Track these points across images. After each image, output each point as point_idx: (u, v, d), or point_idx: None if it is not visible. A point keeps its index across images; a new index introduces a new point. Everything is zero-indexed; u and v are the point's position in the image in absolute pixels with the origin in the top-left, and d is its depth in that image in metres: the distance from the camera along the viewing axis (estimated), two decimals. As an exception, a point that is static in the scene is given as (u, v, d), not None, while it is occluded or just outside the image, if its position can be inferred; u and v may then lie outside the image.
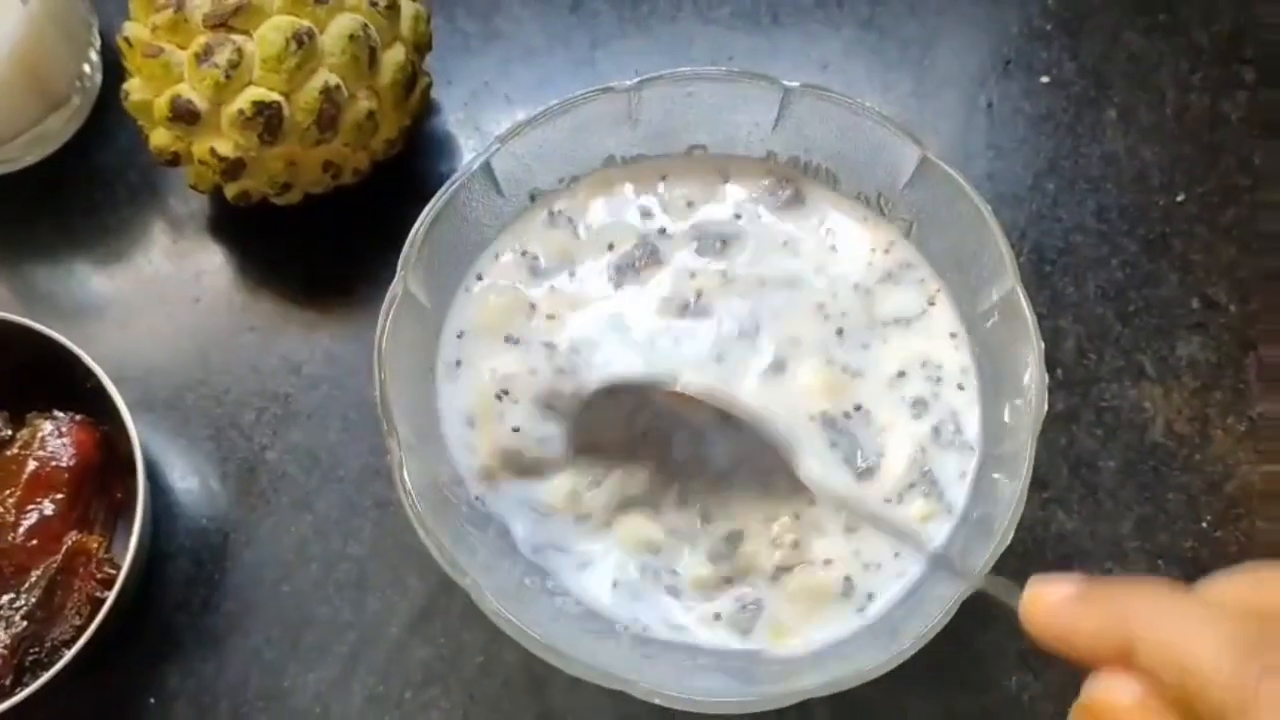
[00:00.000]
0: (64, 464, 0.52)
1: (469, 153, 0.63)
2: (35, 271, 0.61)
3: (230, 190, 0.56)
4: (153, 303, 0.61)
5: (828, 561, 0.49)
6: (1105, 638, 0.32)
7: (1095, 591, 0.33)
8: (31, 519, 0.51)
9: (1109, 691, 0.31)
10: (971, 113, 0.64)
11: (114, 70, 0.63)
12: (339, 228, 0.61)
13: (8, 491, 0.52)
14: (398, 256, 0.49)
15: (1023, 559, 0.55)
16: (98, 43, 0.63)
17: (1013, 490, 0.46)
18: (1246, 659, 0.28)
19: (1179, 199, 0.62)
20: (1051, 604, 0.34)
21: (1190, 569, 0.55)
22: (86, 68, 0.62)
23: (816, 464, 0.49)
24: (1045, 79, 0.64)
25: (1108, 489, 0.56)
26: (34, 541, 0.51)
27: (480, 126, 0.64)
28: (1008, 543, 0.46)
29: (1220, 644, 0.29)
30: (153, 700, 0.53)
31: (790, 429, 0.50)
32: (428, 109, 0.62)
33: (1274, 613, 0.30)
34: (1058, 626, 0.33)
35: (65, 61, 0.60)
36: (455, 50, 0.65)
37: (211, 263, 0.61)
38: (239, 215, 0.60)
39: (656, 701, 0.44)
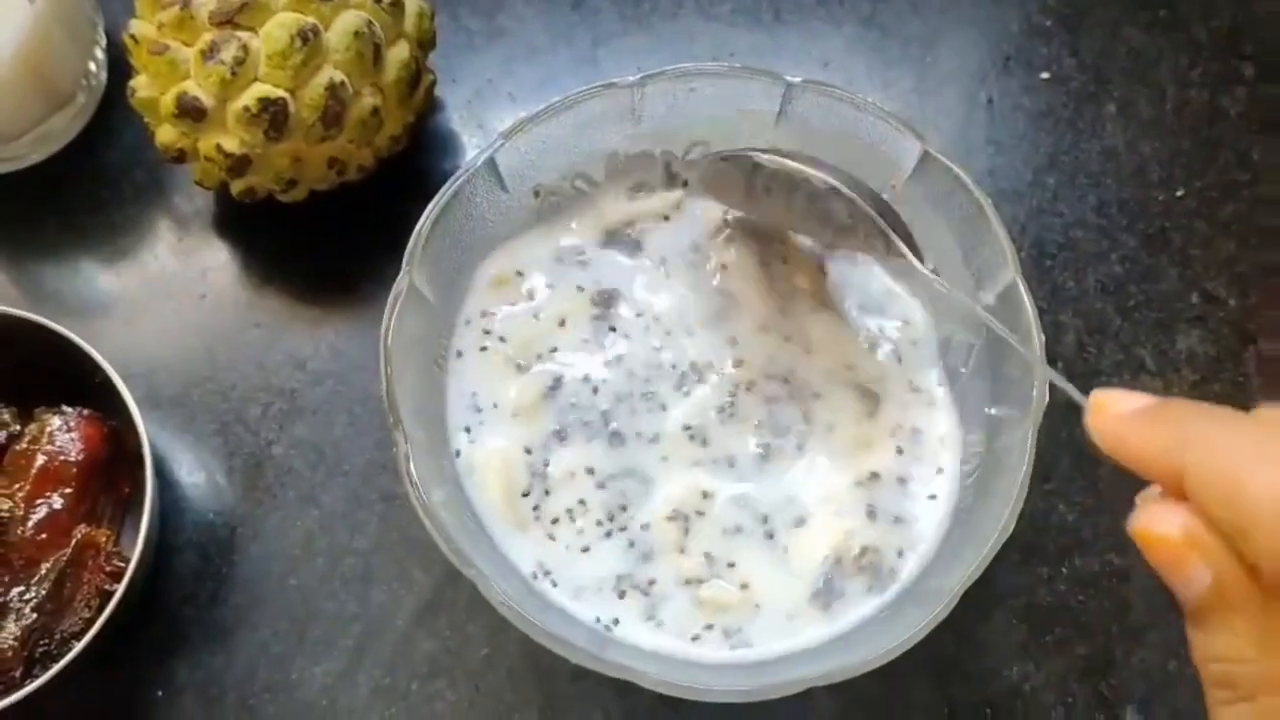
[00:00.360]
0: (72, 458, 0.53)
1: (473, 150, 0.64)
2: (42, 269, 0.62)
3: (236, 187, 0.56)
4: (159, 300, 0.61)
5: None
6: (1163, 459, 0.30)
7: (1160, 410, 0.32)
8: (40, 513, 0.52)
9: (1156, 522, 0.30)
10: (972, 109, 0.64)
11: (119, 68, 0.64)
12: (344, 224, 0.61)
13: (17, 486, 0.52)
14: (402, 253, 0.50)
15: (1024, 550, 0.56)
16: (103, 41, 0.64)
17: (1012, 480, 0.46)
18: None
19: (1178, 194, 0.62)
20: (1115, 414, 0.33)
21: (1190, 560, 0.55)
22: (92, 66, 0.63)
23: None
24: (1045, 75, 0.65)
25: (1108, 481, 0.57)
26: (43, 535, 0.51)
27: (484, 124, 0.64)
28: (1010, 532, 0.46)
29: (1273, 477, 0.27)
30: (161, 692, 0.54)
31: None
32: (432, 106, 0.62)
33: None
34: (1118, 438, 0.32)
35: (71, 60, 0.61)
36: (459, 48, 0.66)
37: (217, 260, 0.62)
38: (244, 212, 0.61)
39: (661, 691, 0.44)
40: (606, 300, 0.54)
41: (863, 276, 0.55)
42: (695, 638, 0.49)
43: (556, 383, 0.53)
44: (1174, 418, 0.31)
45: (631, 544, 0.50)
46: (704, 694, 0.44)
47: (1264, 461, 0.28)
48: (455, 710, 0.54)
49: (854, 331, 0.54)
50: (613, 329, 0.54)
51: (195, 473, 0.58)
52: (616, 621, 0.49)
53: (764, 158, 0.51)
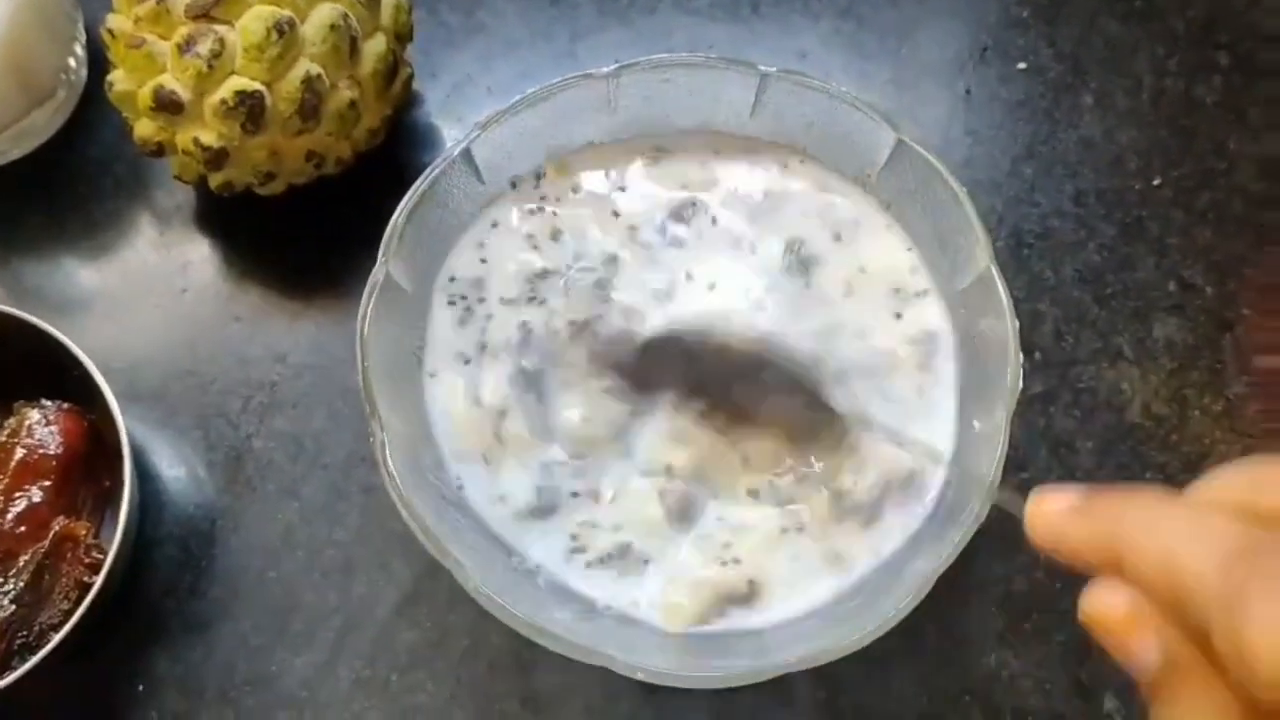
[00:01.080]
0: (51, 452, 0.53)
1: (451, 144, 0.64)
2: (22, 264, 0.62)
3: (214, 180, 0.56)
4: (139, 294, 0.61)
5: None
6: (1099, 547, 0.31)
7: (1092, 502, 0.33)
8: (19, 506, 0.52)
9: (1101, 603, 0.31)
10: (950, 100, 0.65)
11: (99, 64, 0.64)
12: (322, 218, 0.61)
13: (-5, 479, 0.52)
14: (380, 247, 0.50)
15: (1002, 539, 0.56)
16: (82, 37, 0.64)
17: (987, 466, 0.47)
18: (1233, 564, 0.28)
19: (1155, 183, 0.62)
20: (1051, 513, 0.34)
21: (1168, 546, 0.55)
22: (71, 62, 0.63)
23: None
24: (1022, 65, 0.65)
25: (1086, 469, 0.57)
26: (22, 528, 0.51)
27: (462, 118, 0.65)
28: (983, 518, 0.46)
29: (1206, 550, 0.28)
30: (141, 685, 0.54)
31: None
32: (410, 100, 0.62)
33: (1269, 515, 0.30)
34: (1056, 536, 0.33)
35: (50, 55, 0.61)
36: (437, 43, 0.66)
37: (197, 254, 0.62)
38: (224, 207, 0.61)
39: (639, 677, 0.44)
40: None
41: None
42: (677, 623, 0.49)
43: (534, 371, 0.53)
44: (1107, 507, 0.32)
45: (615, 528, 0.51)
46: (683, 680, 0.45)
47: (1196, 536, 0.29)
48: (436, 701, 0.54)
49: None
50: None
51: (175, 466, 0.58)
52: (594, 607, 0.49)
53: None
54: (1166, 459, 0.57)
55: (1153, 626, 0.30)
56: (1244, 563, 0.27)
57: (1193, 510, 0.31)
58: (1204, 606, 0.28)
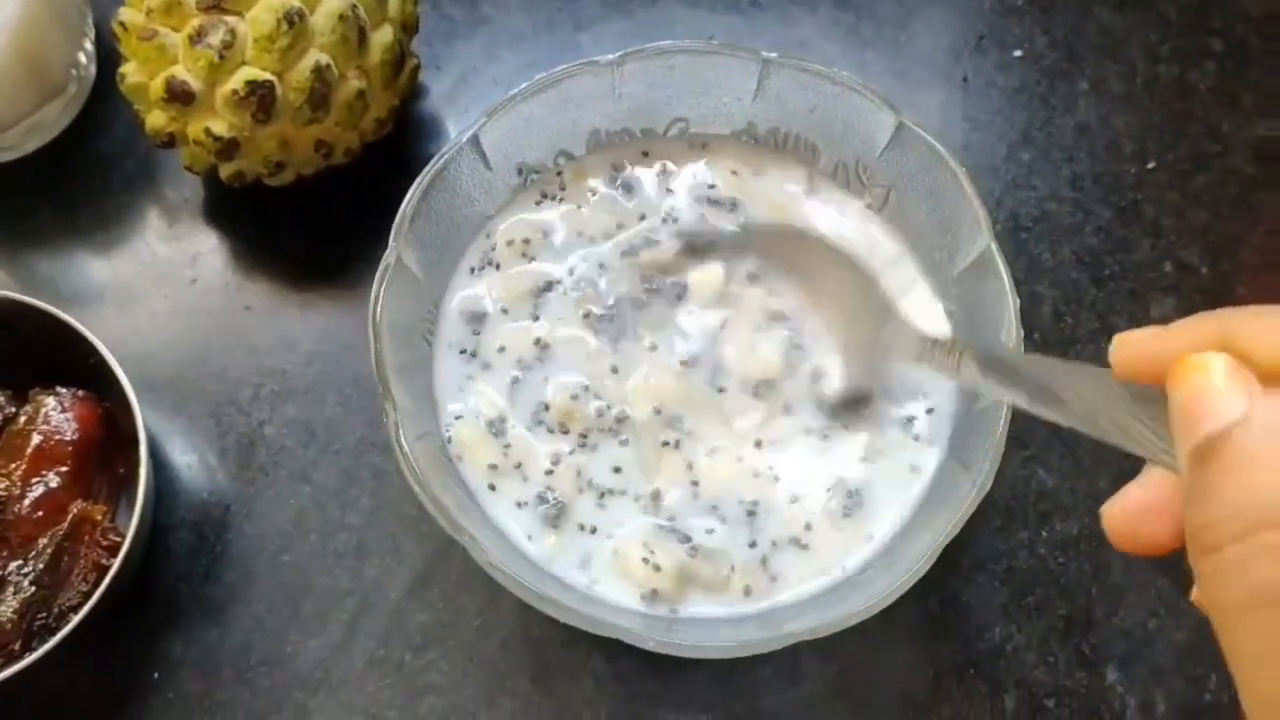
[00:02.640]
0: (67, 438, 0.53)
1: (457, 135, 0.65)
2: (35, 256, 0.63)
3: (225, 171, 0.57)
4: (150, 285, 0.62)
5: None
6: (1203, 343, 0.29)
7: (1187, 320, 0.31)
8: (37, 491, 0.52)
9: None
10: (947, 87, 0.66)
11: (108, 61, 0.64)
12: (331, 208, 0.62)
13: (14, 465, 0.53)
14: (388, 235, 0.51)
15: (1005, 515, 0.57)
16: (92, 33, 0.65)
17: (989, 441, 0.47)
18: None
19: (1150, 166, 0.63)
20: (1137, 338, 0.32)
21: (1167, 521, 0.56)
22: (82, 57, 0.64)
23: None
24: (1018, 53, 0.66)
25: (1086, 446, 0.58)
26: (39, 513, 0.52)
27: (468, 109, 0.65)
28: (985, 492, 0.47)
29: None
30: (158, 667, 0.54)
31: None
32: (416, 91, 0.63)
33: None
34: (1150, 352, 0.31)
35: (62, 49, 0.62)
36: (442, 36, 0.67)
37: (207, 245, 0.63)
38: (233, 198, 0.62)
39: (649, 647, 0.45)
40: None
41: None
42: (680, 596, 0.50)
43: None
44: (1199, 317, 0.31)
45: (618, 504, 0.51)
46: (689, 650, 0.45)
47: None
48: (449, 680, 0.54)
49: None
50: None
51: (188, 453, 0.59)
52: (596, 581, 0.50)
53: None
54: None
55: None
56: None
57: None
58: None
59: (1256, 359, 0.29)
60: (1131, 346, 0.32)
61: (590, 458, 0.52)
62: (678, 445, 0.52)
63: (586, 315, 0.54)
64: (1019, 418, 0.48)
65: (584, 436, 0.52)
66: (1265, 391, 0.28)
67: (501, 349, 0.54)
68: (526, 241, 0.55)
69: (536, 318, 0.54)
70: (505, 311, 0.54)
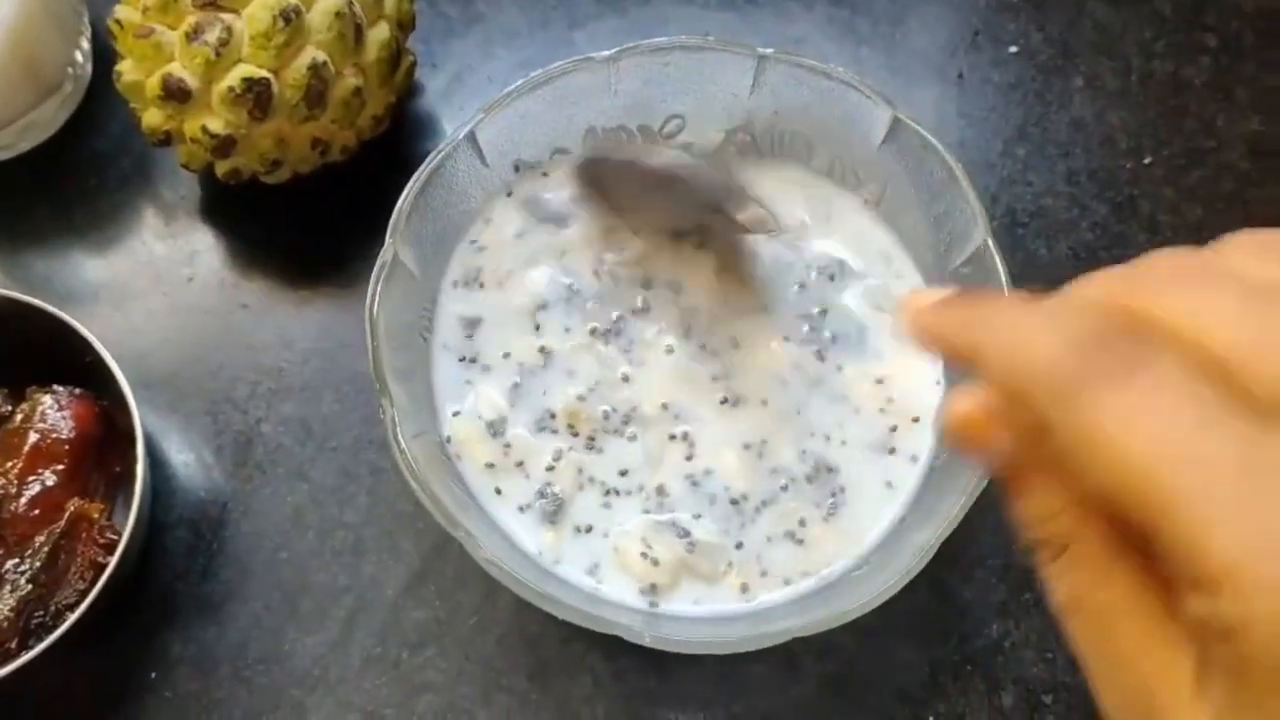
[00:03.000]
0: (64, 436, 0.53)
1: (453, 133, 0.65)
2: (31, 255, 0.63)
3: (221, 168, 0.57)
4: (147, 283, 0.62)
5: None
6: (960, 341, 0.30)
7: (960, 298, 0.31)
8: (33, 489, 0.52)
9: (954, 407, 0.30)
10: (942, 84, 0.66)
11: (103, 59, 0.65)
12: (327, 206, 0.62)
13: (10, 464, 0.53)
14: (385, 233, 0.51)
15: (1001, 510, 0.56)
16: (88, 31, 0.65)
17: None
18: (1077, 355, 0.26)
19: (1146, 162, 0.63)
20: (921, 306, 0.32)
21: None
22: (78, 56, 0.64)
23: None
24: (1013, 49, 0.66)
25: (1083, 441, 0.58)
26: (36, 511, 0.52)
27: (464, 107, 0.66)
28: (981, 489, 0.47)
29: (1054, 342, 0.26)
30: (155, 665, 0.54)
31: None
32: (412, 89, 0.63)
33: (1135, 311, 0.27)
34: (921, 324, 0.32)
35: (58, 48, 0.62)
36: (438, 34, 0.67)
37: (203, 243, 0.63)
38: (229, 197, 0.62)
39: (646, 643, 0.45)
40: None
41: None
42: (676, 591, 0.50)
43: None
44: (976, 303, 0.31)
45: (619, 503, 0.51)
46: (686, 646, 0.45)
47: (1049, 325, 0.27)
48: (446, 677, 0.54)
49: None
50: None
51: (185, 451, 0.58)
52: (600, 580, 0.50)
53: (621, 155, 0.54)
54: (1161, 430, 0.58)
55: (1002, 418, 0.29)
56: (1089, 354, 0.25)
57: (1054, 304, 0.28)
58: (1044, 400, 0.26)
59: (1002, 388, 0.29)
60: (911, 312, 0.32)
61: (593, 455, 0.52)
62: (685, 437, 0.52)
63: (593, 331, 0.54)
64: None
65: (591, 439, 0.52)
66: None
67: (506, 355, 0.54)
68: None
69: (538, 327, 0.54)
70: (502, 324, 0.55)
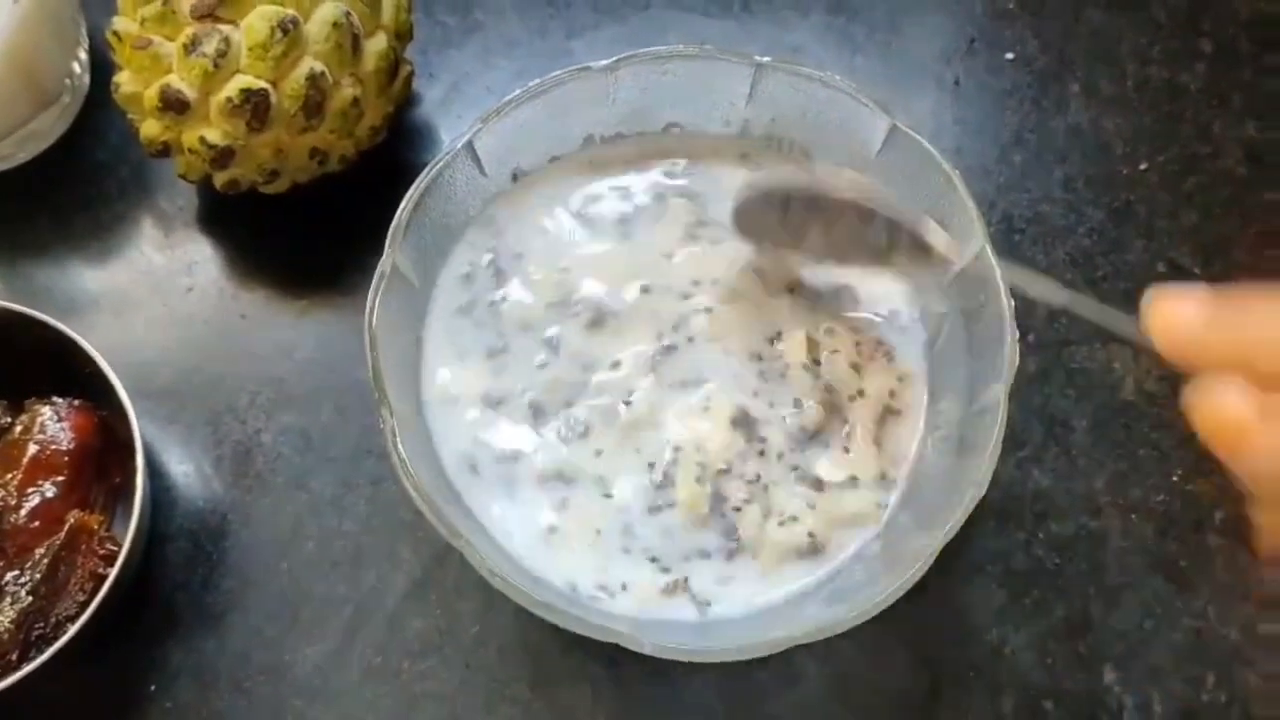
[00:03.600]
0: (64, 448, 0.53)
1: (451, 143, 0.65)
2: (30, 266, 0.63)
3: (219, 179, 0.57)
4: (146, 294, 0.62)
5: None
6: (1228, 352, 0.29)
7: (1218, 300, 0.30)
8: (33, 501, 0.52)
9: (1218, 402, 0.28)
10: (939, 91, 0.66)
11: (101, 70, 0.65)
12: (326, 217, 0.62)
13: (9, 475, 0.53)
14: (383, 243, 0.51)
15: (1001, 516, 0.57)
16: (86, 42, 0.65)
17: (987, 439, 0.48)
18: None
19: (1142, 168, 0.64)
20: (1175, 315, 0.31)
21: (1163, 521, 0.56)
22: (76, 66, 0.64)
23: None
24: (1010, 56, 0.67)
25: (1081, 447, 0.58)
26: (36, 523, 0.52)
27: (462, 116, 0.66)
28: (982, 494, 0.47)
29: None
30: (155, 676, 0.54)
31: None
32: (410, 98, 0.63)
33: None
34: (1183, 341, 0.31)
35: (56, 59, 0.62)
36: (435, 43, 0.67)
37: (202, 253, 0.63)
38: (227, 207, 0.62)
39: (647, 651, 0.45)
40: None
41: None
42: (680, 603, 0.50)
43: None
44: (1232, 304, 0.30)
45: (611, 505, 0.51)
46: (688, 653, 0.45)
47: None
48: (447, 687, 0.54)
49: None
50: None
51: (185, 462, 0.58)
52: (603, 587, 0.50)
53: (798, 185, 0.53)
54: (1159, 435, 0.58)
55: (1274, 430, 0.27)
56: None
57: None
58: None
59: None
60: (1167, 325, 0.32)
61: (595, 458, 0.52)
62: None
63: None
64: (1014, 419, 0.48)
65: (599, 451, 0.52)
66: None
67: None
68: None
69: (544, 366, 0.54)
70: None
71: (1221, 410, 0.28)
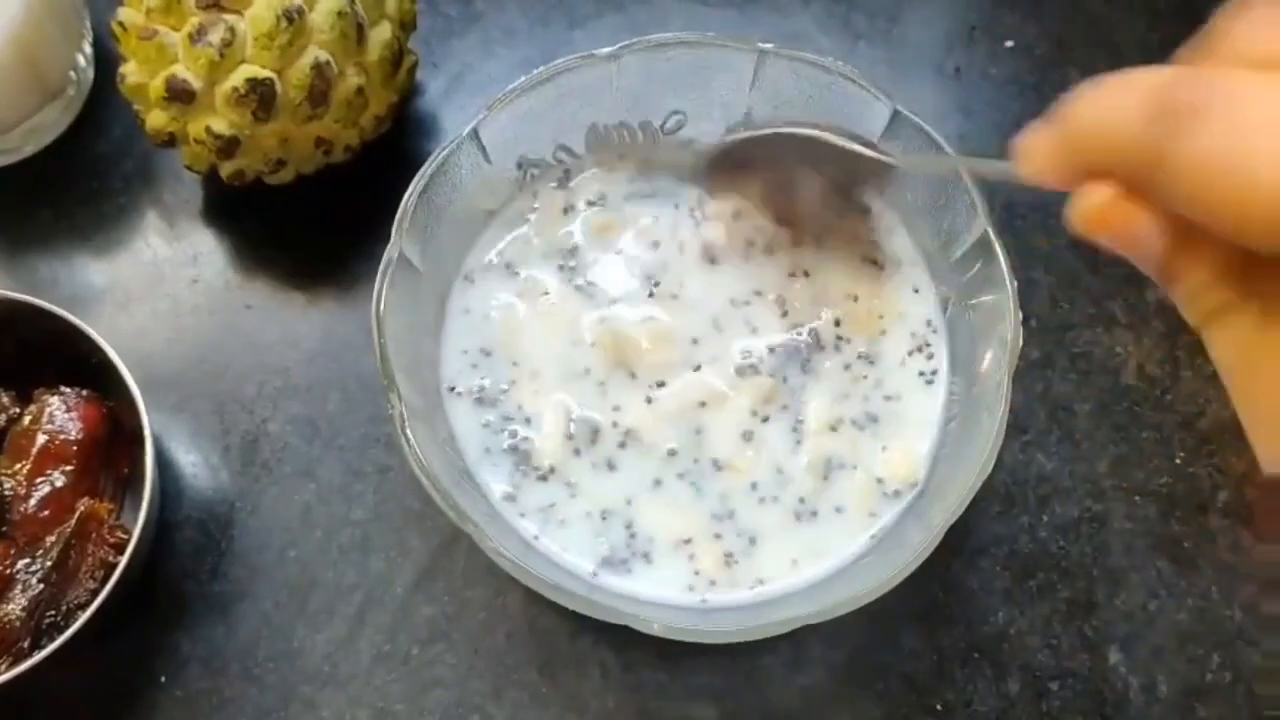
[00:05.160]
0: (72, 438, 0.54)
1: (454, 132, 0.65)
2: (36, 258, 0.63)
3: (225, 169, 0.57)
4: (152, 285, 0.62)
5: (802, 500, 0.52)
6: (1076, 164, 0.31)
7: (1051, 127, 0.32)
8: (43, 490, 0.52)
9: (1085, 202, 0.31)
10: (940, 78, 0.66)
11: (105, 63, 0.65)
12: (331, 207, 0.62)
13: (19, 465, 0.53)
14: (388, 232, 0.51)
15: (1005, 500, 0.57)
16: (90, 35, 0.65)
17: (990, 424, 0.48)
18: (1158, 110, 0.27)
19: (1143, 154, 0.64)
20: (1034, 146, 0.34)
21: (1165, 503, 0.57)
22: (81, 59, 0.64)
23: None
24: (1010, 43, 0.67)
25: (1084, 430, 0.58)
26: (46, 512, 0.52)
27: (465, 106, 0.66)
28: (987, 474, 0.47)
29: (1134, 104, 0.28)
30: (165, 665, 0.55)
31: None
32: (414, 88, 0.64)
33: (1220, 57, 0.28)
34: (1039, 171, 0.33)
35: (61, 51, 0.62)
36: (438, 34, 0.67)
37: (207, 245, 0.63)
38: (231, 199, 0.62)
39: (655, 632, 0.45)
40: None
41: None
42: (688, 586, 0.50)
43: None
44: (1057, 124, 0.32)
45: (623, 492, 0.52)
46: (696, 634, 0.46)
47: (1122, 92, 0.29)
48: (455, 673, 0.55)
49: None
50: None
51: (192, 451, 0.59)
52: (610, 569, 0.50)
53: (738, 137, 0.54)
54: (1162, 418, 0.58)
55: (1141, 205, 0.29)
56: (1171, 107, 0.27)
57: (1129, 74, 0.30)
58: (1135, 164, 0.27)
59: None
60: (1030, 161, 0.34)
61: (603, 447, 0.52)
62: (699, 431, 0.52)
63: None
64: (1017, 403, 0.49)
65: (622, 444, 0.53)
66: None
67: (515, 364, 0.55)
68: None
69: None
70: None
71: (1087, 206, 0.31)
